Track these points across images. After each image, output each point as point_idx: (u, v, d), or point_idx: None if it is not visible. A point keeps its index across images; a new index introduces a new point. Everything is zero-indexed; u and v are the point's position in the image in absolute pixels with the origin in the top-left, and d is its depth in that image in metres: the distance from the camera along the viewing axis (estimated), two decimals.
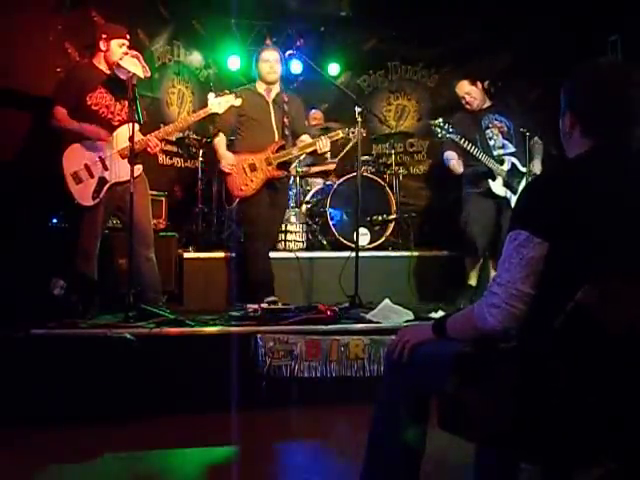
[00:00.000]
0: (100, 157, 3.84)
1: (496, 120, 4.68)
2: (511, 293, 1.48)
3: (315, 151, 4.43)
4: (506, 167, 4.53)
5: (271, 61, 4.37)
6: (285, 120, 4.39)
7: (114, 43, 3.84)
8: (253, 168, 4.30)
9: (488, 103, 4.76)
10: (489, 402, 1.46)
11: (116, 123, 3.89)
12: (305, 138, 4.49)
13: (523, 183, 4.55)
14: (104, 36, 3.86)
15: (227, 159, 4.31)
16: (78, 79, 3.87)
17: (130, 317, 3.48)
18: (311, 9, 6.34)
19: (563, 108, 1.64)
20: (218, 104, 4.03)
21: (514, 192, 4.53)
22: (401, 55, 6.76)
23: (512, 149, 4.63)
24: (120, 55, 3.81)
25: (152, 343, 3.27)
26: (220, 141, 4.40)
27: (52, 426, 2.89)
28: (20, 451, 2.73)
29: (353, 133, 4.37)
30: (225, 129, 4.42)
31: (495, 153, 4.59)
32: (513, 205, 4.47)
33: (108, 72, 3.89)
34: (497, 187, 4.54)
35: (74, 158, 3.81)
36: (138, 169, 3.81)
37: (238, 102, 4.11)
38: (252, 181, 4.31)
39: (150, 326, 3.38)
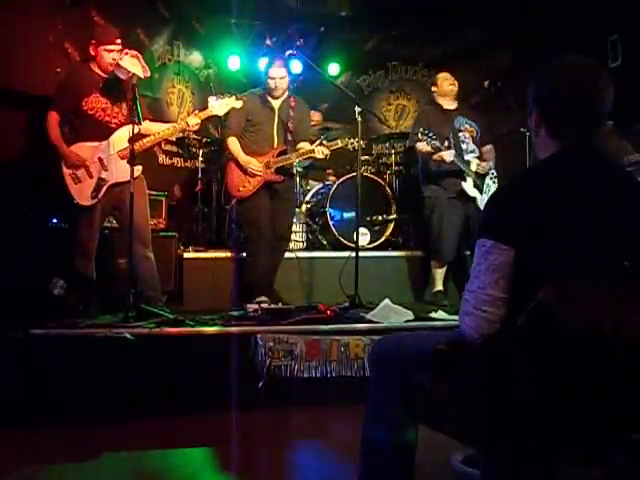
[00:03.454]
0: (99, 158, 3.85)
1: (467, 124, 4.75)
2: (481, 298, 1.48)
3: (313, 158, 4.54)
4: (474, 168, 4.63)
5: (276, 79, 4.40)
6: (289, 125, 4.45)
7: (102, 49, 3.82)
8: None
9: (455, 105, 4.80)
10: (457, 399, 1.49)
11: (114, 126, 3.90)
12: (304, 145, 4.51)
13: (488, 184, 4.64)
14: (93, 42, 3.86)
15: (252, 163, 4.35)
16: (74, 84, 3.87)
17: (130, 317, 3.48)
18: (311, 9, 6.34)
19: (530, 106, 1.65)
20: (219, 106, 4.03)
21: (481, 192, 4.61)
22: (401, 55, 6.78)
23: (478, 153, 4.75)
24: (110, 61, 3.81)
25: (152, 343, 3.27)
26: (236, 146, 4.42)
27: (52, 426, 2.89)
28: (20, 451, 2.73)
29: (352, 143, 4.43)
30: (237, 133, 4.45)
31: (466, 157, 4.67)
32: (481, 206, 4.55)
33: (104, 75, 3.88)
34: (469, 188, 4.61)
35: None
36: (137, 170, 3.81)
37: (239, 104, 4.12)
38: (249, 182, 4.37)
39: (150, 326, 3.38)
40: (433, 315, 4.03)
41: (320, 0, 6.37)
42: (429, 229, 4.76)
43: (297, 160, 4.54)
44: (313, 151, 4.40)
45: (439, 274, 4.80)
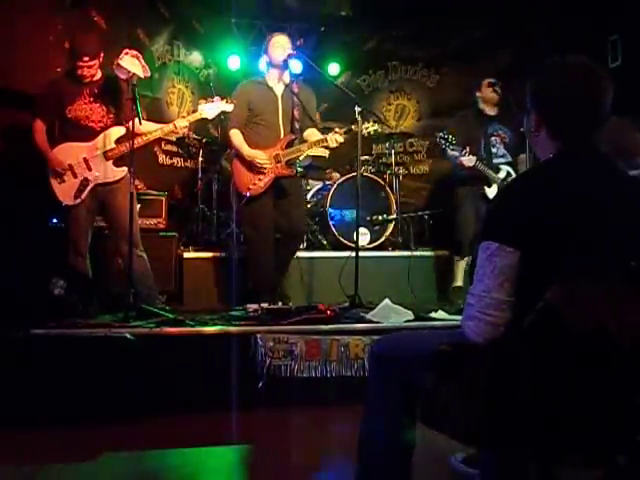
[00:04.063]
0: (84, 158, 3.86)
1: (500, 130, 4.86)
2: (486, 302, 1.47)
3: (326, 147, 4.27)
4: (502, 175, 4.69)
5: (283, 44, 4.23)
6: (295, 113, 4.26)
7: (78, 62, 3.81)
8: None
9: (495, 111, 4.89)
10: (460, 400, 1.48)
11: (99, 129, 3.89)
12: (311, 132, 4.34)
13: None
14: (73, 50, 3.86)
15: (258, 157, 4.13)
16: (57, 93, 3.87)
17: (130, 317, 3.48)
18: (311, 9, 6.34)
19: (529, 106, 1.64)
20: (208, 110, 3.98)
21: None
22: (401, 55, 6.77)
23: (509, 159, 4.84)
24: (80, 75, 3.80)
25: (152, 343, 3.27)
26: (239, 138, 4.20)
27: (52, 426, 2.89)
28: (20, 451, 2.73)
29: (367, 128, 4.22)
30: (239, 124, 4.23)
31: (495, 161, 4.76)
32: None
33: (92, 81, 3.88)
34: (492, 193, 4.68)
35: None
36: (123, 171, 3.86)
37: (229, 108, 4.04)
38: (260, 179, 4.18)
39: (150, 326, 3.39)
40: (433, 315, 4.02)
41: (320, 0, 6.37)
42: (454, 225, 4.88)
43: (309, 150, 4.29)
44: (326, 140, 4.18)
45: (460, 270, 4.91)
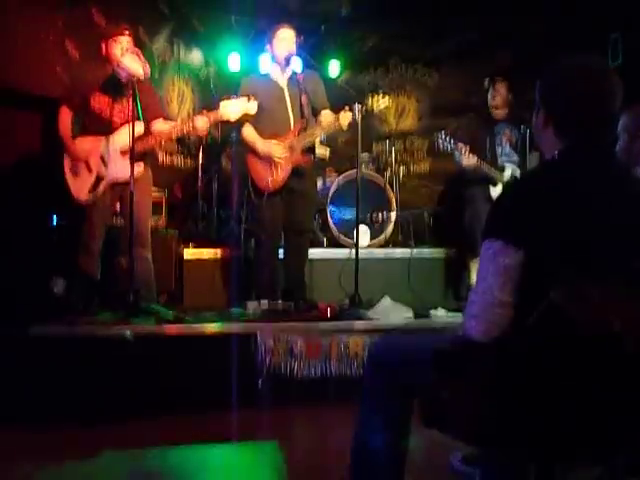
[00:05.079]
0: (101, 154, 3.85)
1: (507, 129, 4.84)
2: (488, 301, 1.46)
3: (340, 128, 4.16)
4: (506, 175, 4.67)
5: (288, 39, 4.17)
6: (303, 100, 4.17)
7: (112, 43, 3.82)
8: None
9: (504, 112, 4.86)
10: (462, 400, 1.48)
11: (118, 124, 3.89)
12: (326, 113, 4.23)
13: None
14: (103, 39, 3.87)
15: (274, 149, 4.05)
16: (83, 80, 3.90)
17: (130, 315, 3.48)
18: (311, 7, 6.33)
19: (537, 105, 1.64)
20: (231, 112, 3.82)
21: None
22: (401, 54, 6.76)
23: (515, 158, 4.80)
24: (119, 51, 3.79)
25: (152, 342, 3.27)
26: (253, 133, 4.13)
27: (52, 425, 2.89)
28: (20, 450, 2.73)
29: (377, 101, 4.11)
30: (251, 119, 4.13)
31: (499, 161, 4.75)
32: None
33: (111, 73, 3.89)
34: (496, 193, 4.67)
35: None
36: (140, 168, 3.81)
37: (253, 108, 3.88)
38: (278, 172, 4.09)
39: (150, 325, 3.39)
40: (433, 313, 4.03)
41: None
42: (463, 225, 4.89)
43: (321, 134, 4.22)
44: (338, 120, 4.06)
45: (475, 269, 4.89)
